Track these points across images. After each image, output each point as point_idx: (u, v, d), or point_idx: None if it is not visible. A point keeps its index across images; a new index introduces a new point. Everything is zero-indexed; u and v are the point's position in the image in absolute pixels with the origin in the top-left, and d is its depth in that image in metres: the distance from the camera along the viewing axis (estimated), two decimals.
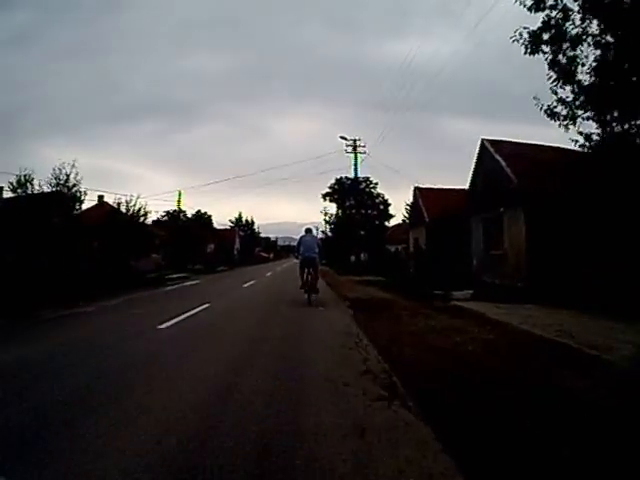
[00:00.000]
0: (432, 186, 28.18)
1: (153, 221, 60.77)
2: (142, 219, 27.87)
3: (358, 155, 30.29)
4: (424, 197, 27.25)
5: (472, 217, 20.23)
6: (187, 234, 55.84)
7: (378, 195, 59.47)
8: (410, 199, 69.59)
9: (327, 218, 64.88)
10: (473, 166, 20.10)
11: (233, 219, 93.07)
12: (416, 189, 28.65)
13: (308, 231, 14.03)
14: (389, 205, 58.05)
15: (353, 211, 58.33)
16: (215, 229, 71.90)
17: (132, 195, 26.33)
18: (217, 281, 22.71)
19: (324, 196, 60.88)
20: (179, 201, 36.45)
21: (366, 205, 57.94)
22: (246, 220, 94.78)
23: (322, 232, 65.59)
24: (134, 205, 26.42)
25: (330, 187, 60.57)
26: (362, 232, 55.70)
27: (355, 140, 29.52)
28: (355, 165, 30.15)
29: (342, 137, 29.56)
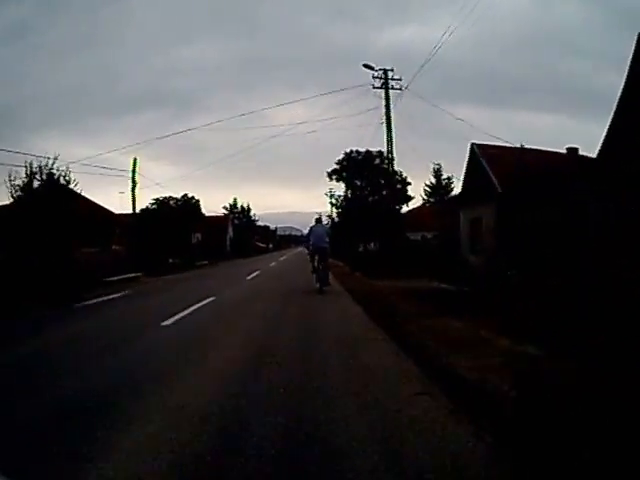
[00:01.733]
0: (501, 144, 18.97)
1: (142, 209, 52.30)
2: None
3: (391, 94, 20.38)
4: (491, 159, 18.01)
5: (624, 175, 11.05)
6: (161, 221, 47.32)
7: (395, 173, 49.36)
8: (430, 180, 60.39)
9: (333, 200, 55.00)
10: None
11: (227, 205, 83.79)
12: (474, 147, 19.36)
13: (318, 221, 13.91)
14: (408, 184, 47.96)
15: (366, 192, 48.73)
16: (203, 216, 62.57)
17: (48, 157, 17.31)
18: (150, 297, 12.97)
19: (330, 174, 50.74)
20: (134, 172, 27.08)
21: (381, 185, 48.24)
22: (242, 206, 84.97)
23: (327, 216, 56.19)
24: (46, 172, 17.35)
25: (338, 163, 50.28)
26: (375, 217, 46.62)
27: (386, 70, 19.89)
28: (387, 106, 20.33)
29: (366, 66, 19.86)
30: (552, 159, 18.94)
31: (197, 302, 9.91)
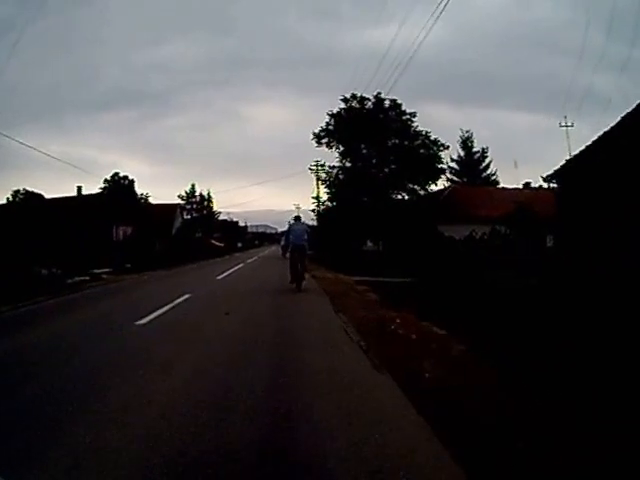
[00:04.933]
0: None
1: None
2: None
3: None
4: None
5: None
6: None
7: (418, 134, 32.00)
8: (458, 152, 42.98)
9: (323, 174, 35.76)
10: None
11: (183, 194, 66.04)
12: None
13: (297, 219, 14.92)
14: (443, 149, 29.92)
15: (373, 162, 31.09)
16: (139, 204, 45.23)
17: None
18: None
19: (318, 136, 32.58)
20: None
21: (397, 149, 30.73)
22: (200, 195, 66.81)
23: (314, 198, 37.69)
24: None
25: (333, 115, 32.20)
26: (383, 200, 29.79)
27: None
28: None
29: None
30: None
31: None
